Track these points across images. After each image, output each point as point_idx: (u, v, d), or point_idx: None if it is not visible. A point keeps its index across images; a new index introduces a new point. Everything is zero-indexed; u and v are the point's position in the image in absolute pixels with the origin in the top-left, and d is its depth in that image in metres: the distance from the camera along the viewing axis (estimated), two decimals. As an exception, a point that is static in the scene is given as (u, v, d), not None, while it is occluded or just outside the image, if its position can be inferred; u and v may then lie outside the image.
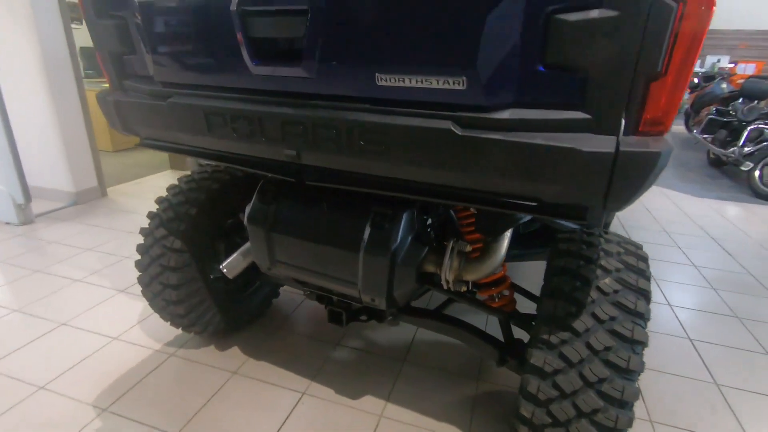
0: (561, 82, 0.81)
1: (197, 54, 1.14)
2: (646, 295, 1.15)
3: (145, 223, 3.39)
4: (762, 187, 4.54)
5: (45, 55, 3.39)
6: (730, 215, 4.02)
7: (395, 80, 0.91)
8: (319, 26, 0.94)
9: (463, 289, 1.35)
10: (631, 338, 1.07)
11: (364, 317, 1.62)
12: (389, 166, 1.01)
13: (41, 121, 3.61)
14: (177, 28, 1.14)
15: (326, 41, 0.94)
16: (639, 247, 1.30)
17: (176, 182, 1.83)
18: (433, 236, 1.42)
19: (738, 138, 4.95)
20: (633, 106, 0.78)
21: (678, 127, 7.99)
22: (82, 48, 3.90)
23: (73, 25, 3.60)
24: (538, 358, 1.13)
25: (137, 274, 2.61)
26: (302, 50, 0.98)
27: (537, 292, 1.73)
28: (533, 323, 1.45)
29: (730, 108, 5.51)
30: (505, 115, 0.86)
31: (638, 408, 1.69)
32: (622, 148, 0.79)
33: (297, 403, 1.68)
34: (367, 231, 1.26)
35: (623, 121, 0.80)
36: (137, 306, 2.29)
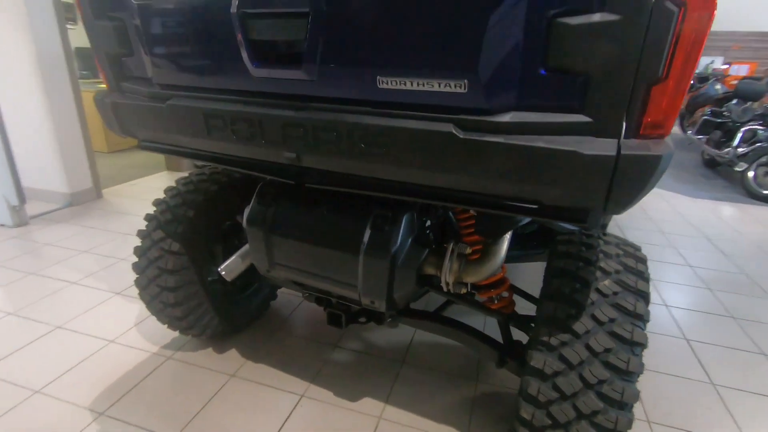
0: (562, 86, 0.82)
1: (197, 56, 1.14)
2: (645, 297, 1.15)
3: (141, 224, 3.37)
4: (755, 187, 4.58)
5: (40, 55, 3.37)
6: (725, 215, 4.05)
7: (397, 83, 0.91)
8: (320, 29, 0.94)
9: (463, 291, 1.35)
10: (630, 340, 1.08)
11: (363, 319, 1.62)
12: (390, 169, 1.01)
13: (36, 122, 3.58)
14: (176, 30, 1.13)
15: (327, 44, 0.94)
16: (637, 248, 1.31)
17: (174, 184, 1.83)
18: (432, 238, 1.42)
19: (732, 139, 4.99)
20: (634, 109, 0.79)
21: (673, 127, 8.05)
22: (77, 48, 3.87)
23: (67, 25, 3.57)
24: (538, 360, 1.13)
25: (134, 276, 2.60)
26: (303, 53, 0.97)
27: (534, 293, 1.74)
28: (532, 324, 1.46)
29: (724, 109, 5.55)
30: (507, 118, 0.86)
31: (636, 408, 1.70)
32: (623, 152, 0.79)
33: (296, 405, 1.68)
34: (367, 233, 1.26)
35: (624, 125, 0.80)
36: (134, 308, 2.27)
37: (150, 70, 1.24)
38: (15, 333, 2.06)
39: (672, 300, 2.54)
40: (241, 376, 1.82)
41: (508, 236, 1.31)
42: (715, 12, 0.71)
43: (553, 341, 1.13)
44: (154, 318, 2.16)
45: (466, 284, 1.38)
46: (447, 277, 1.31)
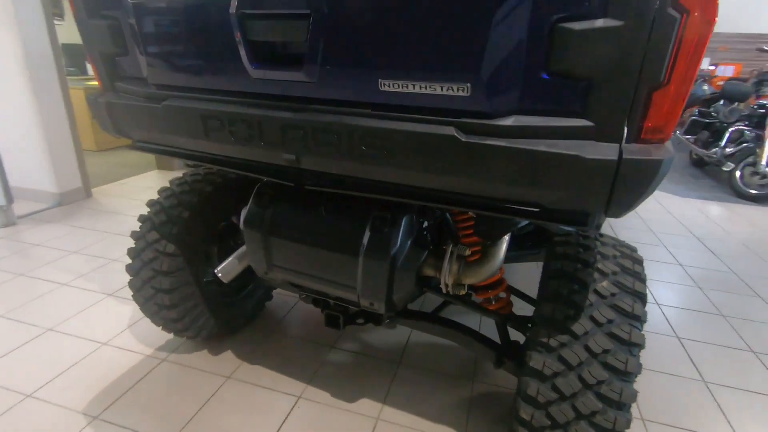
0: (565, 90, 0.82)
1: (194, 57, 1.12)
2: (642, 298, 1.17)
3: (132, 224, 3.33)
4: (742, 187, 4.66)
5: (27, 52, 3.30)
6: (713, 215, 4.12)
7: (398, 86, 0.91)
8: (321, 31, 0.93)
9: (462, 292, 1.36)
10: (628, 341, 1.09)
11: (360, 320, 1.62)
12: (391, 172, 1.01)
13: (23, 120, 3.51)
14: (173, 29, 1.12)
15: (329, 46, 0.94)
16: (634, 249, 1.33)
17: (167, 184, 1.80)
18: (430, 239, 1.42)
19: (720, 139, 5.07)
20: (635, 114, 0.80)
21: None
22: (63, 45, 3.81)
23: (54, 21, 3.51)
24: (537, 361, 1.14)
25: (126, 277, 2.56)
26: (303, 54, 0.97)
27: (529, 292, 1.75)
28: (529, 325, 1.47)
29: (711, 109, 5.63)
30: (509, 121, 0.86)
31: (630, 407, 1.72)
32: (625, 156, 0.80)
33: (293, 407, 1.67)
34: (367, 235, 1.26)
35: (626, 129, 0.81)
36: (127, 310, 2.24)
37: (145, 70, 1.23)
38: (5, 336, 2.02)
39: (663, 299, 2.58)
40: (238, 377, 1.81)
41: (507, 238, 1.32)
42: (716, 18, 0.72)
43: (552, 342, 1.14)
44: (147, 319, 2.14)
45: (464, 285, 1.38)
46: (446, 278, 1.31)
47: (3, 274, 2.55)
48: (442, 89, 0.88)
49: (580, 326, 1.12)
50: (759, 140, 4.58)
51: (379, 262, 1.25)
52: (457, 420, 1.64)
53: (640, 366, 1.08)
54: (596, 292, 1.16)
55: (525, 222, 1.33)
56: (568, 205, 0.90)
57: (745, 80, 7.11)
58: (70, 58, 6.14)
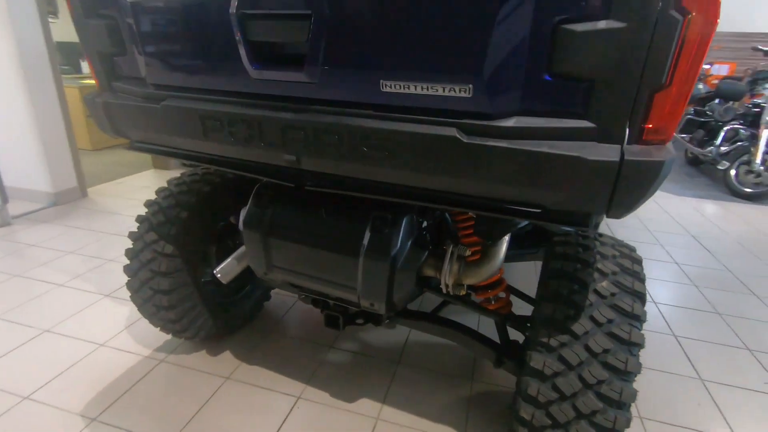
0: (567, 91, 0.82)
1: (193, 57, 1.11)
2: (641, 298, 1.17)
3: (128, 224, 3.31)
4: (737, 185, 4.69)
5: (21, 50, 3.27)
6: (708, 213, 4.14)
7: (400, 87, 0.91)
8: (322, 31, 0.93)
9: (462, 292, 1.36)
10: (628, 341, 1.10)
11: (360, 321, 1.62)
12: (392, 173, 1.01)
13: (18, 119, 3.48)
14: (172, 29, 1.11)
15: (330, 46, 0.93)
16: (633, 249, 1.33)
17: (165, 185, 1.79)
18: (429, 239, 1.42)
19: (715, 137, 5.09)
20: (637, 115, 0.80)
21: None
22: (58, 43, 3.77)
23: (48, 19, 3.47)
24: (537, 361, 1.15)
25: (122, 277, 2.55)
26: (304, 55, 0.96)
27: (527, 291, 1.76)
28: (528, 324, 1.47)
29: (707, 108, 5.66)
30: (511, 123, 0.86)
31: (628, 405, 1.73)
32: (627, 157, 0.80)
33: (293, 407, 1.67)
34: (367, 236, 1.26)
35: (627, 131, 0.81)
36: (124, 311, 2.23)
37: (144, 70, 1.22)
38: (1, 338, 2.00)
39: (660, 297, 2.59)
40: (237, 378, 1.81)
41: (507, 238, 1.32)
42: (718, 20, 0.73)
43: (553, 342, 1.14)
44: (145, 320, 2.13)
45: (464, 285, 1.38)
46: (447, 279, 1.31)
47: (-2, 275, 2.54)
48: (443, 90, 0.87)
49: (581, 326, 1.13)
50: (753, 139, 4.60)
51: (379, 263, 1.24)
52: (457, 419, 1.65)
53: (639, 365, 1.09)
54: (596, 292, 1.17)
55: (525, 222, 1.33)
56: (570, 206, 0.91)
57: (739, 79, 7.15)
58: (64, 57, 6.10)
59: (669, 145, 0.84)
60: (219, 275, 1.64)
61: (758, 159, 4.49)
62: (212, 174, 1.82)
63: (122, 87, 1.30)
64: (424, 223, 1.39)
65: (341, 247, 1.29)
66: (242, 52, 1.02)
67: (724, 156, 4.88)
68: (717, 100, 5.57)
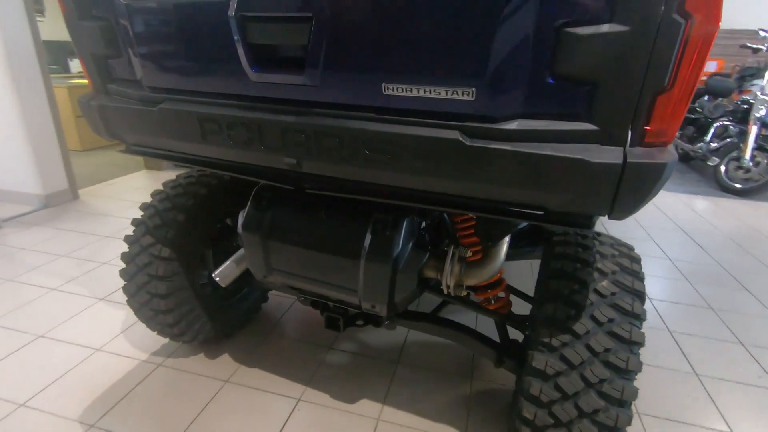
0: (569, 94, 0.82)
1: (190, 60, 1.10)
2: (641, 297, 1.18)
3: (121, 226, 3.27)
4: (727, 181, 4.75)
5: (8, 50, 3.21)
6: (700, 209, 4.20)
7: (402, 90, 0.90)
8: (323, 33, 0.92)
9: (463, 293, 1.36)
10: (629, 339, 1.11)
11: (360, 322, 1.62)
12: (394, 175, 1.00)
13: (5, 119, 3.42)
14: (169, 31, 1.09)
15: (331, 49, 0.93)
16: (631, 248, 1.34)
17: (159, 186, 1.77)
18: (428, 240, 1.42)
19: (705, 134, 5.16)
20: (639, 118, 0.80)
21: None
22: (45, 42, 3.71)
23: (36, 17, 3.41)
24: (539, 360, 1.15)
25: (117, 280, 2.52)
26: (305, 58, 0.96)
27: (522, 289, 1.77)
28: (527, 324, 1.48)
29: (696, 105, 5.73)
30: (514, 125, 0.87)
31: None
32: (629, 160, 0.80)
33: (293, 409, 1.67)
34: (368, 238, 1.25)
35: (630, 133, 0.82)
36: (120, 314, 2.21)
37: (140, 73, 1.20)
38: (-6, 344, 1.97)
39: (654, 292, 2.62)
40: (236, 381, 1.80)
41: (507, 239, 1.32)
42: (720, 23, 0.73)
43: (554, 342, 1.15)
44: (141, 324, 2.11)
45: (464, 286, 1.39)
46: (448, 280, 1.31)
47: (-11, 280, 2.50)
48: (446, 93, 0.87)
49: (582, 326, 1.13)
50: (743, 135, 4.67)
51: (381, 265, 1.24)
52: (458, 418, 1.65)
53: (640, 364, 1.10)
54: (596, 291, 1.18)
55: (525, 223, 1.34)
56: (573, 208, 0.91)
57: (728, 76, 7.23)
58: (52, 56, 6.00)
59: (671, 147, 0.84)
60: (218, 278, 1.63)
61: (747, 155, 4.55)
62: (208, 176, 1.80)
63: (117, 90, 1.28)
64: (423, 224, 1.39)
65: (342, 249, 1.28)
66: (242, 54, 1.01)
67: (714, 152, 4.95)
68: (706, 97, 5.64)
